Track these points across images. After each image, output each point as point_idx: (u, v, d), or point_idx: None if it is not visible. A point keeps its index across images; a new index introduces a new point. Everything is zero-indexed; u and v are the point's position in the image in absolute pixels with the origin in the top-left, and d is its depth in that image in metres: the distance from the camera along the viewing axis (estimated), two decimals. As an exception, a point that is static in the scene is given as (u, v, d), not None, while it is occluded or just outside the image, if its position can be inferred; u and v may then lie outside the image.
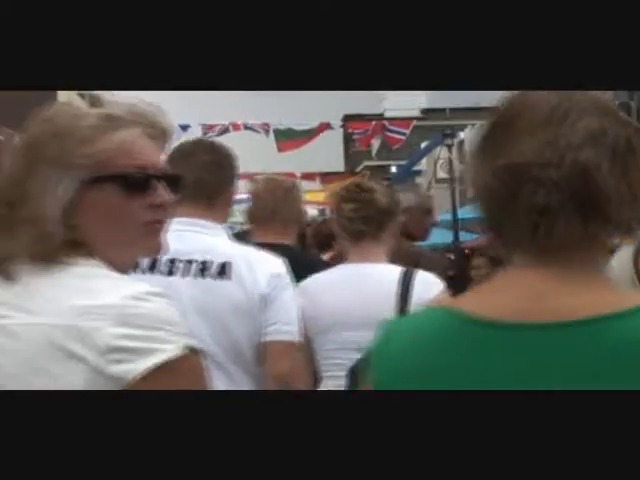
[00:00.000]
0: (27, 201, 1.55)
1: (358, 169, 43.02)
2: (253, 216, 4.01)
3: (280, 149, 19.70)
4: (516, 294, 1.28)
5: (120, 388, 1.44)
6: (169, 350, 1.46)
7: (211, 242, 2.92)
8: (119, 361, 1.44)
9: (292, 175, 25.89)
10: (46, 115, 1.62)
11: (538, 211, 1.26)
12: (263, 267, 2.86)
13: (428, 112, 44.75)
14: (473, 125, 31.40)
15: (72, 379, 1.44)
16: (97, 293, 1.49)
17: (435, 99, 50.17)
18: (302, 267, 3.36)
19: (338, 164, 55.27)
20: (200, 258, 2.86)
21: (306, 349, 3.21)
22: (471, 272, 7.00)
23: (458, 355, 1.27)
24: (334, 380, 3.22)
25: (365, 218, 3.37)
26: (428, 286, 3.28)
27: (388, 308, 3.15)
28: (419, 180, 33.89)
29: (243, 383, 2.85)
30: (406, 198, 4.46)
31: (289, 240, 3.91)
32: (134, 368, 1.44)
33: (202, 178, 2.97)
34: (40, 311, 1.50)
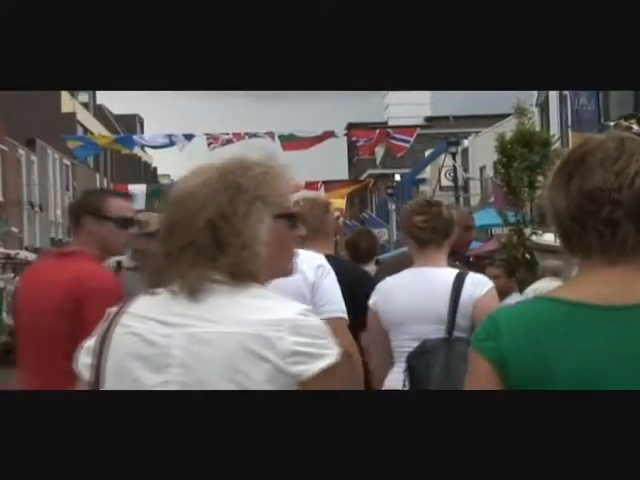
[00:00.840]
0: (243, 229, 1.92)
1: (362, 177, 43.07)
2: None
3: (285, 148, 19.59)
4: (601, 285, 1.73)
5: (296, 384, 1.86)
6: (332, 355, 1.89)
7: None
8: (297, 363, 1.86)
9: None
10: (262, 164, 1.99)
11: (611, 224, 1.71)
12: (307, 262, 3.51)
13: (432, 120, 44.76)
14: (477, 133, 31.43)
15: (258, 376, 1.85)
16: (272, 310, 1.89)
17: (439, 107, 50.18)
18: (349, 273, 4.15)
19: (342, 172, 55.41)
20: None
21: (383, 338, 4.05)
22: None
23: (570, 328, 1.72)
24: (402, 363, 3.91)
25: (434, 228, 4.02)
26: (476, 285, 3.95)
27: (444, 304, 3.89)
28: (423, 188, 33.86)
29: None
30: None
31: (331, 250, 4.52)
32: (309, 368, 1.86)
33: None
34: (222, 322, 1.88)
